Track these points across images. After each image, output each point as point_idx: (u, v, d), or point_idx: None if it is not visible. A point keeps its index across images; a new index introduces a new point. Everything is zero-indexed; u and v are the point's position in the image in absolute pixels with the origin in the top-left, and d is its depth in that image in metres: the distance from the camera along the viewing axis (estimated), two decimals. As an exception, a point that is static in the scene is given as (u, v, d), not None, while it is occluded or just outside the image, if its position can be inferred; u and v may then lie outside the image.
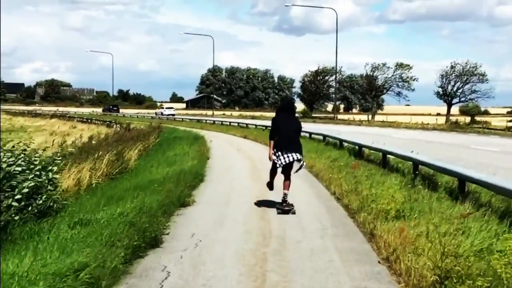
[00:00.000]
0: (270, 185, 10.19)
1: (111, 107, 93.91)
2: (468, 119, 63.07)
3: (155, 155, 19.68)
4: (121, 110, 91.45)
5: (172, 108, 79.70)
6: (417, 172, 11.28)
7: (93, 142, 21.17)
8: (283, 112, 9.79)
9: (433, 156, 13.24)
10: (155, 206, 8.33)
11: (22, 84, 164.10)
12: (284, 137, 9.39)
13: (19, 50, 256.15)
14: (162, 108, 79.97)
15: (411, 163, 12.75)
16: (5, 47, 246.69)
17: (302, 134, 27.04)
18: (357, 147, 17.55)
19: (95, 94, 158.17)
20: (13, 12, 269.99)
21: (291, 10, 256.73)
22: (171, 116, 66.77)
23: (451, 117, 66.76)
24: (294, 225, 8.39)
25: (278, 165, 9.47)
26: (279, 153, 9.39)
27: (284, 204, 9.42)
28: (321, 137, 23.60)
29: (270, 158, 9.56)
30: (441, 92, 70.54)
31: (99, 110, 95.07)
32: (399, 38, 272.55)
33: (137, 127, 33.49)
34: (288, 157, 9.33)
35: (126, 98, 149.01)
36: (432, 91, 78.82)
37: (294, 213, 9.26)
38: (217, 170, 15.57)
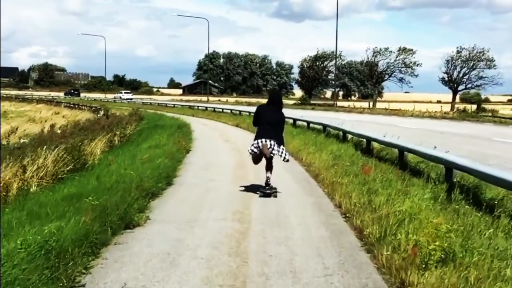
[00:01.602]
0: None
1: (72, 91, 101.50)
2: (470, 106, 60.20)
3: (128, 147, 16.81)
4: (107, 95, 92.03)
5: (129, 93, 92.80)
6: (453, 180, 8.38)
7: (59, 131, 18.28)
8: (269, 103, 9.64)
9: (455, 152, 10.41)
10: (69, 239, 5.45)
11: (16, 68, 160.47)
12: (266, 128, 9.27)
13: (17, 34, 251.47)
14: (121, 93, 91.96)
15: (436, 164, 9.97)
16: (2, 31, 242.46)
17: (299, 123, 24.02)
18: (364, 140, 14.67)
19: (90, 79, 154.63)
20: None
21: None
22: (129, 100, 76.64)
23: (456, 105, 63.81)
24: (283, 266, 5.56)
25: (249, 153, 9.33)
26: (256, 141, 9.22)
27: (267, 188, 9.25)
28: (320, 127, 20.67)
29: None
30: (446, 79, 67.20)
31: (91, 95, 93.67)
32: (399, 24, 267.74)
33: (117, 114, 30.58)
34: (261, 142, 9.09)
35: (122, 83, 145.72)
36: (431, 78, 76.19)
37: (275, 196, 9.12)
38: (194, 168, 12.75)
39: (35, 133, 20.58)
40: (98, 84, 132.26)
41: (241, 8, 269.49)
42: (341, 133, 17.44)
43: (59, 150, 11.77)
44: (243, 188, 10.00)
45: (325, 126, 19.86)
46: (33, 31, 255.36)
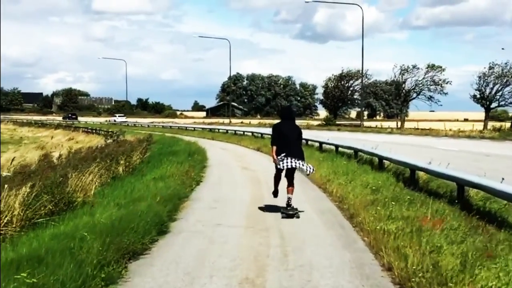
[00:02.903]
0: (275, 193, 10.00)
1: (69, 115, 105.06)
2: (504, 124, 57.13)
3: (130, 178, 14.65)
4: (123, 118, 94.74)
5: (123, 116, 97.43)
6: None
7: (55, 160, 16.22)
8: (283, 119, 9.75)
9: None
10: None
11: (40, 94, 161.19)
12: (288, 143, 9.41)
13: (43, 61, 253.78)
14: (115, 116, 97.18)
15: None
16: (29, 57, 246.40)
17: (327, 147, 21.50)
18: (407, 169, 12.24)
19: (113, 103, 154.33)
20: (38, 22, 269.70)
21: (314, 17, 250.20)
22: (123, 122, 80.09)
23: (489, 123, 60.75)
24: None
25: (280, 167, 9.38)
26: (283, 157, 9.33)
27: (288, 209, 9.27)
28: (351, 152, 18.21)
29: (274, 162, 9.51)
30: (478, 96, 64.03)
31: (112, 119, 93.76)
32: (423, 43, 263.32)
33: (131, 139, 28.58)
34: (292, 161, 9.31)
35: (145, 107, 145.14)
36: (456, 96, 73.12)
37: (298, 217, 9.14)
38: (201, 206, 10.45)
39: (34, 163, 18.60)
40: (121, 108, 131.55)
41: (264, 30, 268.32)
42: (376, 159, 15.01)
43: (34, 187, 9.62)
44: (257, 237, 7.71)
45: (356, 151, 17.41)
46: (60, 57, 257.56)
